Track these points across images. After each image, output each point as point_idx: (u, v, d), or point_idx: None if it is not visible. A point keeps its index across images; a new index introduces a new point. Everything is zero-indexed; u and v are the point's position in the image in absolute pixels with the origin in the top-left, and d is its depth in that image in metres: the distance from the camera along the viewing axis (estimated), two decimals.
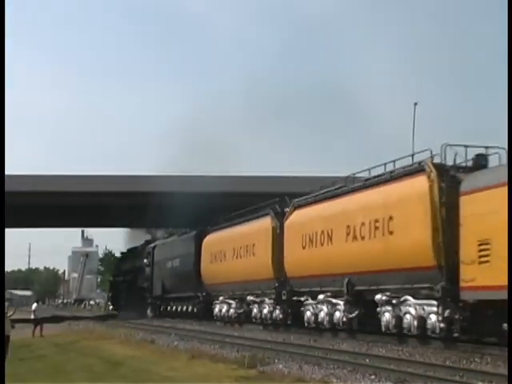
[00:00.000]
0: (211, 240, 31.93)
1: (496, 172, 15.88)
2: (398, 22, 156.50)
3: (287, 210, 24.70)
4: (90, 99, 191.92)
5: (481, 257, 15.25)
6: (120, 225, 61.72)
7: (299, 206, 24.01)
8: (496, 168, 16.27)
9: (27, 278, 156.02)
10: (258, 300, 26.55)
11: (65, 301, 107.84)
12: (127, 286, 46.34)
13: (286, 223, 24.38)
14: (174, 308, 36.43)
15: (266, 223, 25.77)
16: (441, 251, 16.45)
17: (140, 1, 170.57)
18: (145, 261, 42.11)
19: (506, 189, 14.61)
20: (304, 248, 22.78)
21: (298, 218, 23.76)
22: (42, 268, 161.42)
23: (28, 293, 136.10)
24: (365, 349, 16.95)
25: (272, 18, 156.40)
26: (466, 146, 17.52)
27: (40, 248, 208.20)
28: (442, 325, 16.39)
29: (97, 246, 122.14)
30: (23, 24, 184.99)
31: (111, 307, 57.50)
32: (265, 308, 25.86)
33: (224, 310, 29.72)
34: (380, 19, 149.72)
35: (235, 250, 28.47)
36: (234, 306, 28.85)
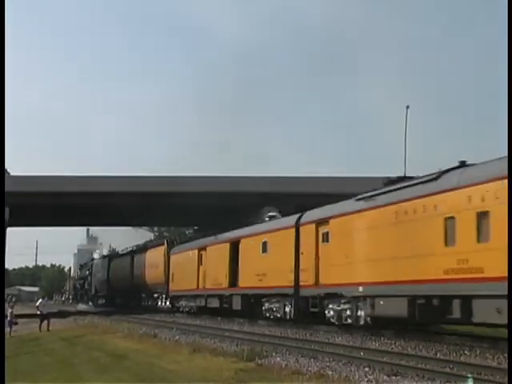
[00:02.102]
0: (114, 263, 57.69)
1: (181, 247, 39.48)
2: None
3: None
4: (91, 99, 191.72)
5: (172, 279, 39.16)
6: (124, 224, 61.98)
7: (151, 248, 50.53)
8: (183, 245, 39.92)
9: (34, 274, 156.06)
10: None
11: (70, 297, 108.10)
12: (80, 287, 72.95)
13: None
14: (101, 302, 61.20)
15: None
16: (165, 276, 40.80)
17: None
18: (88, 272, 67.37)
19: (179, 255, 39.09)
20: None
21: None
22: (48, 265, 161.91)
23: (35, 289, 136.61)
24: (359, 342, 17.40)
25: None
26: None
27: (47, 246, 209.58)
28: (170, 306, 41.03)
29: (101, 243, 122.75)
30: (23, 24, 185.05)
31: (72, 301, 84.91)
32: None
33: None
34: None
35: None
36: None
